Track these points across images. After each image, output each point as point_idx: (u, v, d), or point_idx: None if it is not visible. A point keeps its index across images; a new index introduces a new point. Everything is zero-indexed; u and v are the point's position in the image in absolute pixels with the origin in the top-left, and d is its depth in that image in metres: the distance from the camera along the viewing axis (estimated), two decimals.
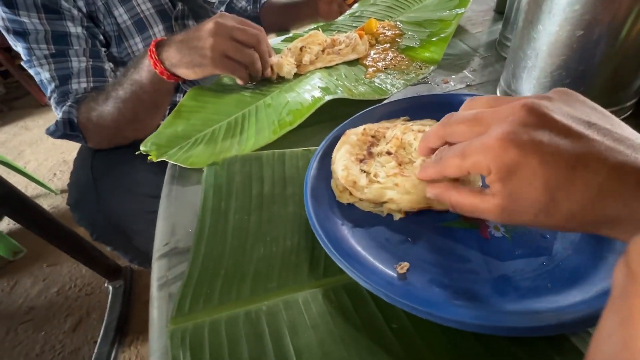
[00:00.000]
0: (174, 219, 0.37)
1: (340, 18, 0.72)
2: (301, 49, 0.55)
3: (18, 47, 0.59)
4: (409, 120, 0.39)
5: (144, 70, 0.51)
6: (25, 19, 0.57)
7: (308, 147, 0.41)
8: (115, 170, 0.62)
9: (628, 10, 0.29)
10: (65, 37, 0.60)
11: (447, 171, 0.23)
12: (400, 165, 0.32)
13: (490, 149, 0.19)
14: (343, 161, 0.34)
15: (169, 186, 0.41)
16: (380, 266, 0.27)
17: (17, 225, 1.69)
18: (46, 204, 1.74)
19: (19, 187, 1.02)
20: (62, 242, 1.11)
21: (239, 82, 0.52)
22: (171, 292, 0.30)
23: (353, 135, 0.36)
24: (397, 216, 0.31)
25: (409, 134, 0.35)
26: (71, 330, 1.22)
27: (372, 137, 0.37)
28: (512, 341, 0.23)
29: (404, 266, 0.27)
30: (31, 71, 0.60)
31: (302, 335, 0.24)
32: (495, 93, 0.44)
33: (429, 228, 0.30)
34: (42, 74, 0.60)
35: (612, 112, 0.36)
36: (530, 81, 0.37)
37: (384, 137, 0.36)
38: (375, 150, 0.35)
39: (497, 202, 0.20)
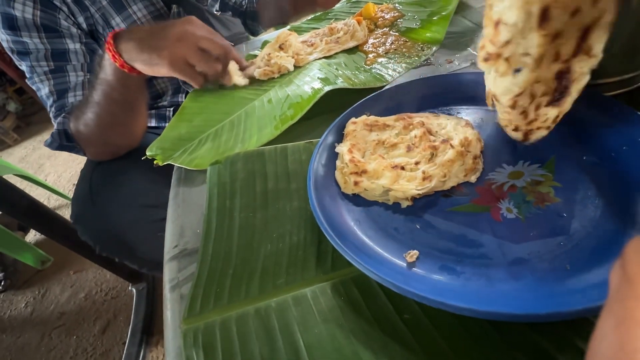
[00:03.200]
0: (182, 221, 0.37)
1: (337, 5, 0.70)
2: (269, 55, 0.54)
3: (22, 65, 0.60)
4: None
5: (107, 66, 0.50)
6: (27, 39, 0.58)
7: (311, 139, 0.40)
8: (113, 182, 0.61)
9: None
10: (64, 54, 0.61)
11: None
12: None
13: None
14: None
15: (176, 189, 0.42)
16: (389, 256, 0.26)
17: (43, 236, 1.76)
18: (67, 214, 1.80)
19: (41, 199, 1.06)
20: (84, 249, 1.14)
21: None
22: (183, 293, 0.30)
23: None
24: (404, 204, 0.30)
25: None
26: (100, 333, 1.27)
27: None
28: (531, 327, 0.22)
29: (413, 254, 0.26)
30: (33, 87, 0.61)
31: (312, 330, 0.24)
32: None
33: (438, 214, 0.29)
34: (42, 90, 0.61)
35: (631, 77, 0.34)
36: None
37: None
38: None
39: None
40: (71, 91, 0.60)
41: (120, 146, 0.62)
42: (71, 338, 1.30)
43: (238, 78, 0.52)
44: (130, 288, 1.30)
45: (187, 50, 0.47)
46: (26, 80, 0.61)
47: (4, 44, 0.59)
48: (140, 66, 0.48)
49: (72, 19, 0.62)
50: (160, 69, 0.48)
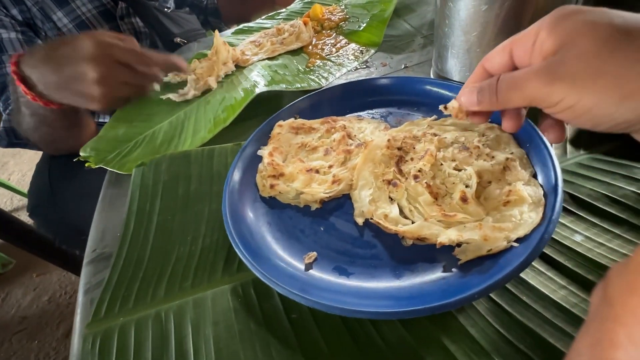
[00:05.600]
0: (104, 224, 0.37)
1: (291, 5, 0.70)
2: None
3: None
4: (435, 119, 0.34)
5: (34, 105, 0.46)
6: None
7: (240, 141, 0.40)
8: (71, 174, 0.61)
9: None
10: None
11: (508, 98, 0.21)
12: (436, 199, 0.27)
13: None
14: (368, 191, 0.29)
15: (105, 191, 0.41)
16: (289, 258, 0.27)
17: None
18: None
19: (4, 200, 1.02)
20: (46, 252, 1.11)
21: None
22: (93, 297, 0.30)
23: (377, 150, 0.32)
24: (313, 206, 0.31)
25: (447, 152, 0.30)
26: (64, 337, 1.24)
27: (399, 149, 0.32)
28: (402, 324, 0.23)
29: (311, 256, 0.27)
30: None
31: (203, 332, 0.24)
32: (430, 74, 0.44)
33: (342, 216, 0.30)
34: None
35: None
36: (452, 60, 0.37)
37: (413, 149, 0.32)
38: (405, 168, 0.30)
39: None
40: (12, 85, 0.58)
41: (73, 147, 0.60)
42: (33, 343, 1.26)
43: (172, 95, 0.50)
44: None
45: (114, 83, 0.42)
46: None
47: None
48: (68, 102, 0.44)
49: (4, 10, 0.59)
50: (94, 107, 0.44)
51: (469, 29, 0.32)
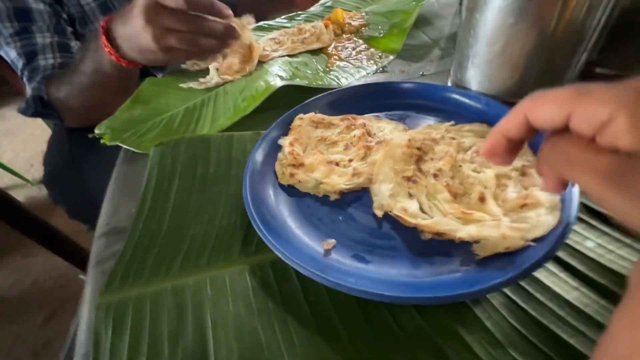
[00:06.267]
0: (118, 200, 0.37)
1: (311, 9, 0.72)
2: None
3: None
4: (454, 125, 0.36)
5: (105, 60, 0.50)
6: None
7: (259, 130, 0.41)
8: (93, 148, 0.61)
9: (547, 15, 0.30)
10: (28, 14, 0.59)
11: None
12: (455, 197, 0.28)
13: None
14: (388, 185, 0.30)
15: (119, 168, 0.41)
16: (310, 243, 0.28)
17: None
18: (22, 195, 1.70)
19: None
20: (36, 233, 1.09)
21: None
22: (105, 269, 0.30)
23: (398, 148, 0.33)
24: (332, 197, 0.32)
25: (466, 155, 0.31)
26: (44, 323, 1.20)
27: (418, 149, 0.33)
28: (417, 310, 0.23)
29: (330, 243, 0.27)
30: (1, 53, 0.60)
31: (221, 308, 0.24)
32: (447, 83, 0.45)
33: (360, 208, 0.30)
34: (10, 53, 0.60)
35: None
36: (473, 69, 0.38)
37: (433, 150, 0.33)
38: (424, 167, 0.32)
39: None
40: (40, 53, 0.59)
41: (100, 120, 0.61)
42: (11, 326, 1.22)
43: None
44: (81, 277, 1.25)
45: (163, 39, 0.45)
46: None
47: None
48: (141, 61, 0.49)
49: None
50: (160, 61, 0.49)
51: (494, 40, 0.34)
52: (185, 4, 0.44)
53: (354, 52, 0.55)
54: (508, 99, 0.37)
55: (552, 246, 0.23)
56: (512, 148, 0.20)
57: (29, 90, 0.60)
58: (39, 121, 2.16)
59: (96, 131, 0.46)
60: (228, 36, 0.49)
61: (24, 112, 0.60)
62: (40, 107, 0.59)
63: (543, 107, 0.17)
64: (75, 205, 0.64)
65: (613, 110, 0.14)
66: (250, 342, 0.22)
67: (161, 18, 0.44)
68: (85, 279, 0.31)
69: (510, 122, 0.19)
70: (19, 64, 0.60)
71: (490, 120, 0.36)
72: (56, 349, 1.14)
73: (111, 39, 0.48)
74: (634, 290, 0.12)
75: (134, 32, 0.45)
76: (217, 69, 0.53)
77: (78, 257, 1.21)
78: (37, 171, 1.81)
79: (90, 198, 0.60)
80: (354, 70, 0.51)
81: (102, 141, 0.44)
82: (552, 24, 0.31)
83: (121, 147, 0.44)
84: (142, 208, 0.33)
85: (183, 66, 0.58)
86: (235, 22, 0.50)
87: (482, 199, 0.27)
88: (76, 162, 0.61)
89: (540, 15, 0.31)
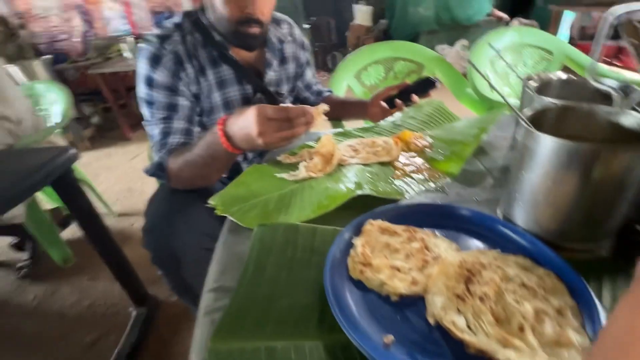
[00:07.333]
0: (225, 263, 0.48)
1: (382, 123, 0.88)
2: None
3: (145, 111, 0.82)
4: (499, 252, 0.43)
5: (219, 146, 0.68)
6: (155, 94, 0.81)
7: (336, 226, 0.51)
8: (187, 208, 0.78)
9: (586, 173, 0.38)
10: (175, 107, 0.82)
11: None
12: (497, 321, 0.34)
13: None
14: (440, 298, 0.37)
15: (225, 236, 0.54)
16: (372, 334, 0.35)
17: (72, 237, 1.91)
18: (107, 222, 1.97)
19: None
20: (111, 258, 1.25)
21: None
22: (213, 319, 0.40)
23: (451, 267, 0.40)
24: (393, 298, 0.40)
25: (509, 285, 0.38)
26: (88, 346, 1.30)
27: (468, 270, 0.39)
28: None
29: (389, 338, 0.34)
30: (148, 129, 0.83)
31: None
32: (496, 212, 0.53)
33: (416, 313, 0.38)
34: (154, 130, 0.82)
35: (589, 250, 0.43)
36: (519, 211, 0.46)
37: (481, 274, 0.39)
38: (473, 288, 0.38)
39: None
40: (172, 134, 0.81)
41: (199, 186, 0.81)
42: (60, 342, 1.34)
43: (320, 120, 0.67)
44: (130, 310, 1.36)
45: (269, 135, 0.63)
46: (143, 122, 0.83)
47: (140, 94, 0.82)
48: (245, 148, 0.67)
49: (187, 86, 0.84)
50: (258, 146, 0.65)
51: (538, 191, 0.42)
52: (286, 115, 0.63)
53: (417, 169, 0.67)
54: (551, 240, 0.44)
55: None
56: None
57: (155, 157, 0.81)
58: (134, 166, 2.57)
59: (210, 202, 0.60)
60: (309, 124, 0.66)
61: (147, 171, 0.81)
62: (158, 171, 0.79)
63: None
64: (159, 253, 0.78)
65: None
66: None
67: (269, 126, 0.62)
68: (196, 325, 0.40)
69: None
70: (156, 139, 0.81)
71: (533, 256, 0.43)
72: None
73: (224, 132, 0.67)
74: (637, 282, 0.13)
75: (247, 134, 0.63)
76: (305, 167, 0.68)
77: (133, 289, 1.34)
78: (121, 205, 2.11)
79: (172, 249, 0.75)
80: (416, 185, 0.62)
81: (215, 212, 0.57)
82: (592, 185, 0.38)
83: (206, 212, 0.57)
84: (245, 276, 0.43)
85: (278, 158, 0.74)
86: (313, 110, 0.66)
87: (521, 329, 0.33)
88: (171, 218, 0.76)
89: (581, 176, 0.38)
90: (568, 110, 0.47)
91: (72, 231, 1.93)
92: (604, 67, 1.34)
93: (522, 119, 0.42)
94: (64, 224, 1.85)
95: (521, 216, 0.47)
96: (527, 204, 0.45)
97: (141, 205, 2.11)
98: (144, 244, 0.77)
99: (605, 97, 0.55)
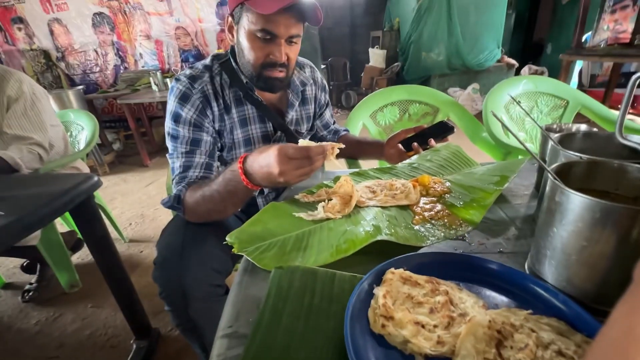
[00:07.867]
0: (239, 306, 0.47)
1: (399, 165, 0.89)
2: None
3: (170, 144, 0.85)
4: (531, 314, 0.40)
5: (240, 186, 0.70)
6: (180, 129, 0.84)
7: (354, 272, 0.50)
8: (199, 242, 0.77)
9: (624, 234, 0.37)
10: (199, 142, 0.85)
11: None
12: None
13: None
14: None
15: (241, 277, 0.53)
16: None
17: (80, 261, 1.91)
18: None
19: None
20: (118, 285, 1.24)
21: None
22: None
23: (480, 328, 0.37)
24: (418, 358, 0.37)
25: (546, 353, 0.35)
26: None
27: (498, 332, 0.37)
28: None
29: None
30: (170, 161, 0.85)
31: None
32: (524, 266, 0.51)
33: None
34: (175, 163, 0.84)
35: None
36: (550, 268, 0.44)
37: (512, 337, 0.37)
38: (505, 353, 0.35)
39: None
40: (193, 168, 0.83)
41: (214, 219, 0.81)
42: None
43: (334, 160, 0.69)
44: (132, 342, 1.32)
45: (289, 172, 0.64)
46: (167, 155, 0.86)
47: (167, 128, 0.86)
48: (266, 186, 0.70)
49: (212, 123, 0.88)
50: (278, 184, 0.67)
51: (569, 252, 0.41)
52: (305, 155, 0.64)
53: (437, 215, 0.65)
54: (587, 302, 0.41)
55: None
56: None
57: (174, 190, 0.82)
58: (149, 192, 2.62)
59: (228, 239, 0.60)
60: (324, 158, 0.67)
61: (165, 203, 0.82)
62: (175, 203, 0.80)
63: None
64: (167, 287, 0.76)
65: None
66: None
67: (290, 165, 0.63)
68: None
69: None
70: (177, 171, 0.84)
71: (567, 319, 0.40)
72: None
73: (244, 170, 0.68)
74: (636, 282, 0.14)
75: (268, 172, 0.65)
76: (323, 207, 0.67)
77: (137, 321, 1.30)
78: (132, 231, 2.12)
79: (181, 284, 0.73)
80: (436, 231, 0.61)
81: (233, 250, 0.57)
82: (631, 245, 0.36)
83: (224, 245, 0.57)
84: (260, 322, 0.42)
85: (296, 197, 0.74)
86: (327, 146, 0.67)
87: None
88: (183, 252, 0.75)
89: (619, 237, 0.37)
90: (598, 166, 0.47)
91: (81, 255, 1.93)
92: (633, 124, 1.35)
93: (555, 178, 0.41)
94: (74, 248, 1.86)
95: (552, 274, 0.45)
96: (558, 262, 0.43)
97: (151, 232, 2.12)
98: (154, 278, 0.76)
99: (633, 152, 0.54)
